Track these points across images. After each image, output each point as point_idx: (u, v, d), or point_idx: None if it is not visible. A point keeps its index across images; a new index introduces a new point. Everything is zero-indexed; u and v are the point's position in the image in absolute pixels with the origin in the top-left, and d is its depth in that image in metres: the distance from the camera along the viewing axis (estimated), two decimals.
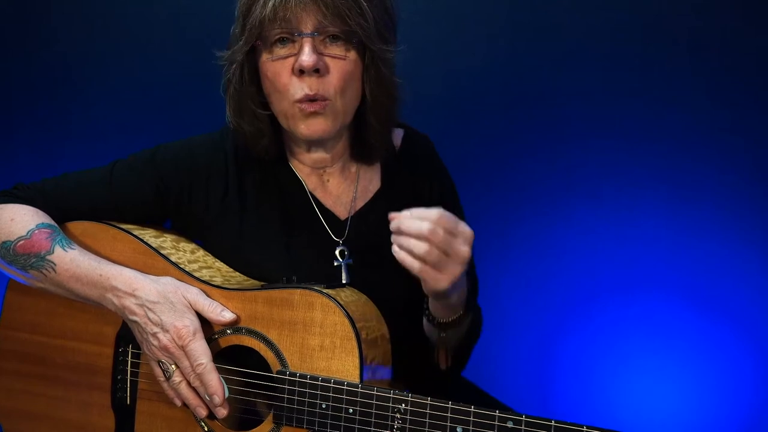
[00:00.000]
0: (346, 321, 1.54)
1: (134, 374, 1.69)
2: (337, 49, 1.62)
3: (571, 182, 2.45)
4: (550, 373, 2.46)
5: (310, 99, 1.62)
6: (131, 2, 2.56)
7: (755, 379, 2.31)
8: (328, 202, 1.78)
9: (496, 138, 2.50)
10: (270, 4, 1.58)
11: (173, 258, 1.69)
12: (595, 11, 2.38)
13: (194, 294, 1.62)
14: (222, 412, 1.58)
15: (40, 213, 1.71)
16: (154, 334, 1.58)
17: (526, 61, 2.46)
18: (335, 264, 1.73)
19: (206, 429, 1.62)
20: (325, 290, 1.57)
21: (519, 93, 2.47)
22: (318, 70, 1.60)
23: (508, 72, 2.47)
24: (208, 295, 1.63)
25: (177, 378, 1.59)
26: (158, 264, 1.68)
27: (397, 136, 1.86)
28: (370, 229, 1.77)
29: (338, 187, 1.79)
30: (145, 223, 1.78)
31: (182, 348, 1.56)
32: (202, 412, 1.59)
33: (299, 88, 1.62)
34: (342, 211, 1.78)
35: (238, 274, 1.73)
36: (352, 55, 1.63)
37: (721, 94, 2.32)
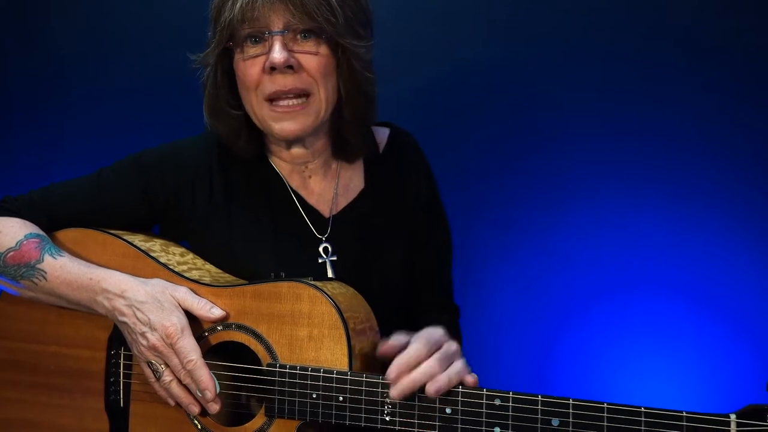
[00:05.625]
0: (334, 310, 1.54)
1: (127, 376, 1.69)
2: (308, 45, 1.63)
3: (570, 182, 2.43)
4: (550, 373, 2.43)
5: (283, 96, 1.63)
6: (131, 3, 2.58)
7: (755, 378, 2.26)
8: (311, 200, 1.78)
9: (496, 138, 2.48)
10: (237, 5, 1.60)
11: (162, 260, 1.69)
12: (594, 11, 2.37)
13: (183, 292, 1.62)
14: (214, 407, 1.57)
15: (28, 224, 1.73)
16: (143, 334, 1.58)
17: (525, 61, 2.44)
18: (320, 261, 1.73)
19: (200, 427, 1.62)
20: (312, 282, 1.58)
21: (518, 92, 2.46)
22: (292, 67, 1.62)
23: (507, 71, 2.46)
24: (196, 293, 1.63)
25: (167, 377, 1.59)
26: (148, 266, 1.68)
27: (383, 135, 1.87)
28: (354, 227, 1.77)
29: (320, 185, 1.80)
30: (134, 229, 1.79)
31: (171, 346, 1.56)
32: (195, 410, 1.59)
33: (270, 86, 1.63)
34: (325, 209, 1.78)
35: (227, 274, 1.73)
36: (324, 50, 1.64)
37: (721, 94, 2.30)
